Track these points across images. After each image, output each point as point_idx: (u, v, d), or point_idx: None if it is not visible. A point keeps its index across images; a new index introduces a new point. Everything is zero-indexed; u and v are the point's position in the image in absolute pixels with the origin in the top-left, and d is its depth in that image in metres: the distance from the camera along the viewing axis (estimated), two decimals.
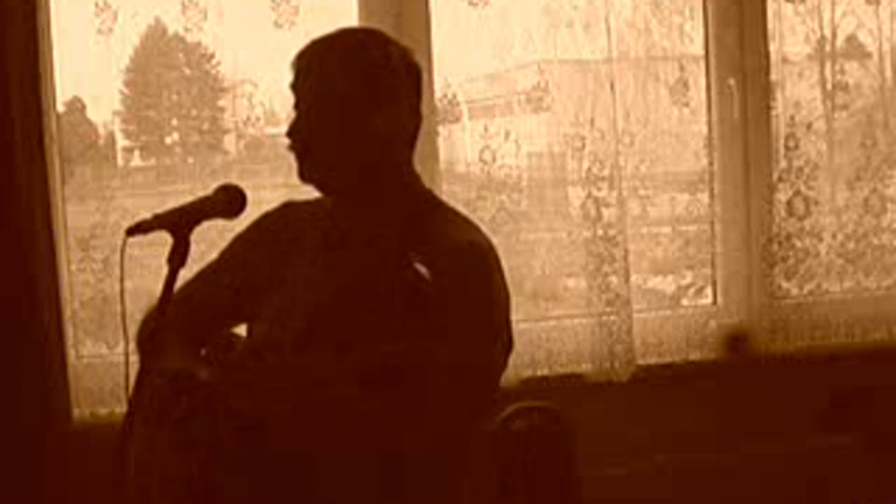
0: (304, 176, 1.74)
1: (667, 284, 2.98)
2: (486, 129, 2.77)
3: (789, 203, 2.93)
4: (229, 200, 1.63)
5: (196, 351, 1.76)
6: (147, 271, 2.33)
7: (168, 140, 2.78)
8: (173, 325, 1.74)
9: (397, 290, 1.64)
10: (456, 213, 1.83)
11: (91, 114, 2.72)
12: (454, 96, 2.76)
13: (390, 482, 1.59)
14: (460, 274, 1.64)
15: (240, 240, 1.90)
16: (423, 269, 1.61)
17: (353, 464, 1.59)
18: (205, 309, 1.83)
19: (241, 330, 1.86)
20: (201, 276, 1.88)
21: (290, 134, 1.73)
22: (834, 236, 2.98)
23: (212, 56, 2.73)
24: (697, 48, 2.95)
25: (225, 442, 1.56)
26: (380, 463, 1.58)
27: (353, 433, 1.59)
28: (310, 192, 1.81)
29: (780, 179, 2.92)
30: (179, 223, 1.54)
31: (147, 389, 1.56)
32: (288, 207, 1.91)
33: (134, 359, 1.51)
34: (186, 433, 1.56)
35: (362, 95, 1.71)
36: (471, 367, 1.63)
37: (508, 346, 1.72)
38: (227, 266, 1.88)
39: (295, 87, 1.75)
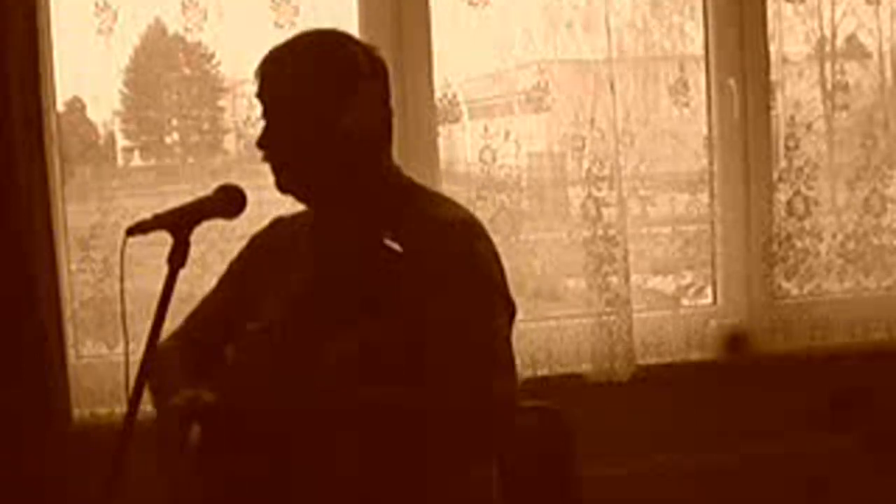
0: (282, 187, 1.72)
1: (667, 284, 2.98)
2: (486, 129, 2.77)
3: (789, 203, 2.93)
4: (229, 200, 1.63)
5: (201, 380, 1.73)
6: (147, 271, 2.32)
7: (168, 140, 2.78)
8: (176, 360, 1.76)
9: (379, 282, 1.62)
10: (435, 194, 1.81)
11: (91, 114, 2.73)
12: (454, 96, 2.76)
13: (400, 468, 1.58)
14: (441, 252, 1.63)
15: (234, 266, 1.91)
16: (394, 245, 1.59)
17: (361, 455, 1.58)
18: (206, 339, 1.82)
19: None
20: (201, 306, 1.89)
21: (260, 145, 1.71)
22: (834, 236, 2.98)
23: (212, 56, 2.73)
24: (697, 48, 2.95)
25: (237, 455, 1.56)
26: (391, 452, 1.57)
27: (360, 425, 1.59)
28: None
29: (780, 179, 2.92)
30: (179, 223, 1.54)
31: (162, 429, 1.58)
32: (277, 224, 1.90)
33: (134, 359, 1.50)
34: (205, 458, 1.56)
35: (326, 95, 1.67)
36: (469, 345, 1.60)
37: (511, 311, 1.70)
38: (224, 293, 1.88)
39: (260, 95, 1.72)
